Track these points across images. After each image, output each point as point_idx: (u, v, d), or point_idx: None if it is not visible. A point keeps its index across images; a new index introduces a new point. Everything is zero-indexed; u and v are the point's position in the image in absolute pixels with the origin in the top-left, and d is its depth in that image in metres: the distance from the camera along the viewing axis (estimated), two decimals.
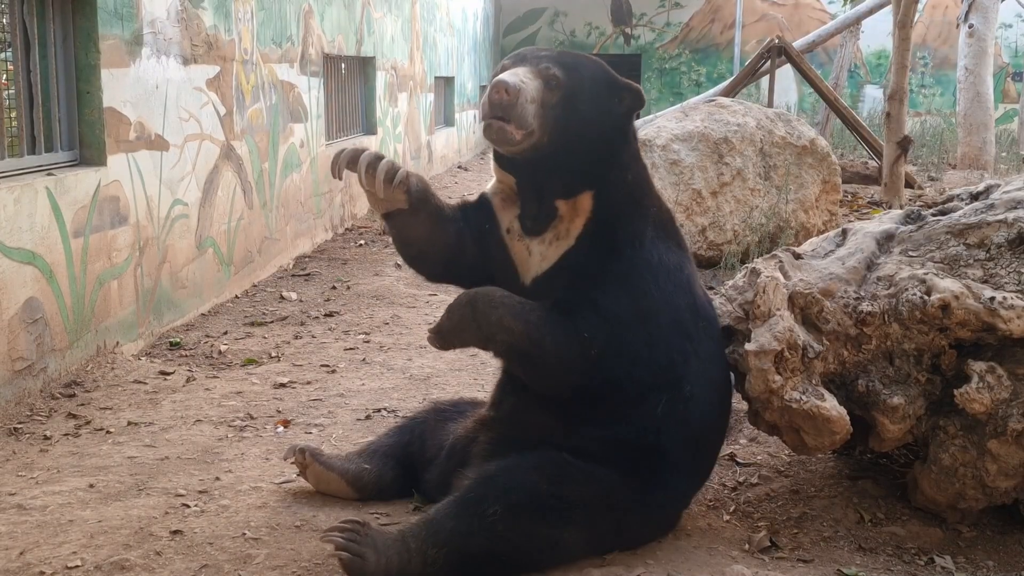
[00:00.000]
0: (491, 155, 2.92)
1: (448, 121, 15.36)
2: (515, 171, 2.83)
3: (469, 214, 2.95)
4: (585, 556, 2.70)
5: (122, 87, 4.76)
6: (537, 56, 2.76)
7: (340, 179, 2.80)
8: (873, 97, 20.49)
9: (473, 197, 3.05)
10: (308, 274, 6.86)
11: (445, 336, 2.72)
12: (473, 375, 4.59)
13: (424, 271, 3.04)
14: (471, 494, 2.63)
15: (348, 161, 2.72)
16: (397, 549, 2.55)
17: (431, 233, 2.86)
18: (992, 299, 2.75)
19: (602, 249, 2.75)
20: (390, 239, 8.21)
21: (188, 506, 3.10)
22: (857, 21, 14.94)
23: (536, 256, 2.81)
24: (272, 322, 5.57)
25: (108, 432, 3.80)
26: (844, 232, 3.30)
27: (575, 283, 2.73)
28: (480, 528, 2.56)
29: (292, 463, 3.20)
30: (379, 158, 2.72)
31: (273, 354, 4.91)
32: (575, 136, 2.71)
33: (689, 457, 2.84)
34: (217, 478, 3.34)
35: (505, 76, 2.64)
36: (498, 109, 2.60)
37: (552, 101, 2.67)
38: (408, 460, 3.17)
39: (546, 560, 2.65)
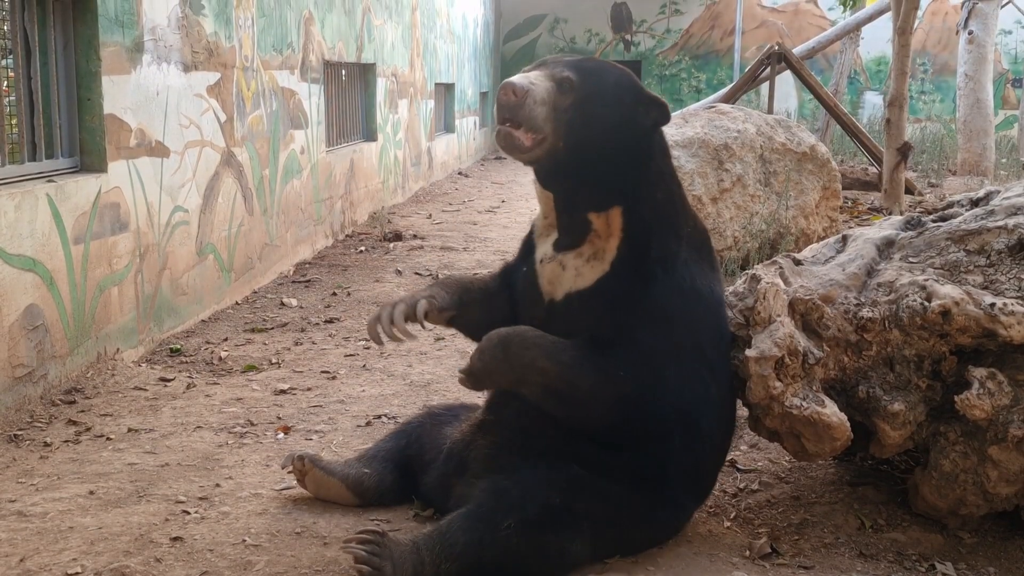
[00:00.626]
0: (533, 180, 2.92)
1: (448, 127, 15.37)
2: (551, 182, 2.80)
3: (511, 274, 3.01)
4: (588, 565, 2.71)
5: (123, 94, 4.77)
6: (556, 62, 2.74)
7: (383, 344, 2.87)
8: (873, 103, 20.51)
9: (512, 257, 3.10)
10: (308, 280, 6.87)
11: (477, 377, 2.70)
12: None
13: None
14: (484, 507, 2.62)
15: (375, 335, 2.81)
16: (412, 562, 2.55)
17: (485, 317, 2.92)
18: (992, 305, 2.75)
19: (635, 276, 2.72)
20: (391, 247, 8.21)
21: (188, 513, 3.10)
22: (857, 28, 14.97)
23: (571, 271, 2.77)
24: (272, 328, 5.57)
25: (108, 439, 3.79)
26: (844, 238, 3.31)
27: (610, 316, 2.70)
28: (494, 541, 2.56)
29: (290, 472, 3.20)
30: (392, 311, 2.79)
31: (273, 360, 4.91)
32: (594, 142, 2.68)
33: (696, 480, 2.90)
34: (217, 485, 3.34)
35: (514, 78, 2.62)
36: (505, 111, 2.59)
37: (564, 104, 2.64)
38: (406, 464, 3.16)
39: (554, 571, 2.65)
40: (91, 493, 3.26)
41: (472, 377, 2.70)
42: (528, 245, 2.97)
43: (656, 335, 2.69)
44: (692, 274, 2.78)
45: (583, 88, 2.67)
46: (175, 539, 2.91)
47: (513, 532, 2.56)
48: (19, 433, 3.79)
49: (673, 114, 3.87)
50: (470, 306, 2.92)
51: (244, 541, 2.90)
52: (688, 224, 2.86)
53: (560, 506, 2.63)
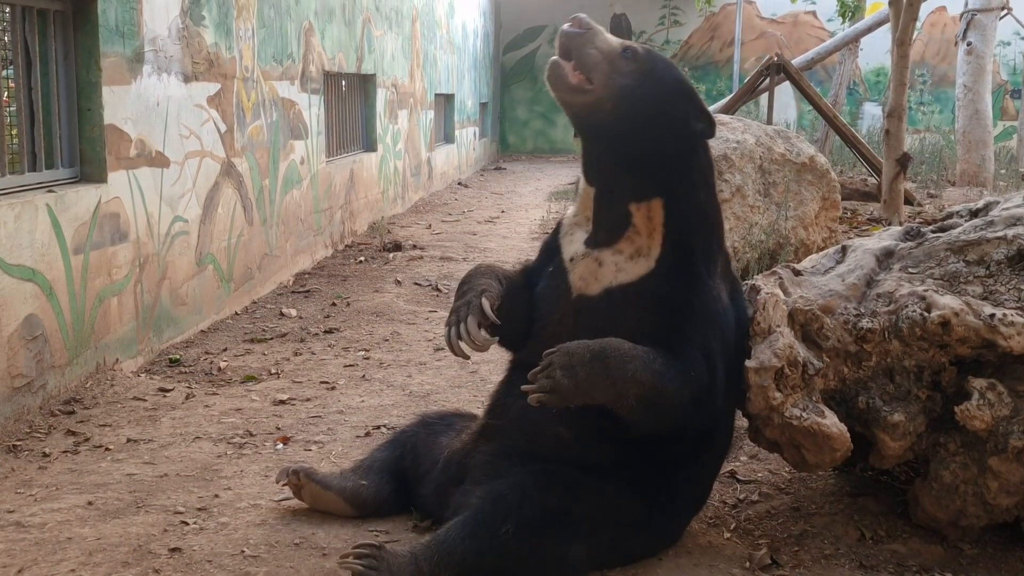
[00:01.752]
0: (578, 178, 2.92)
1: (448, 138, 15.39)
2: (594, 170, 2.80)
3: (532, 274, 2.97)
4: (587, 570, 2.70)
5: (123, 104, 4.77)
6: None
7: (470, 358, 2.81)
8: (872, 114, 20.54)
9: (533, 258, 3.05)
10: (308, 291, 6.86)
11: (567, 395, 2.51)
12: (473, 392, 4.58)
13: (511, 348, 3.00)
14: (482, 513, 2.60)
15: (461, 352, 2.71)
16: (410, 573, 2.54)
17: (513, 309, 2.85)
18: (992, 316, 2.75)
19: (683, 275, 2.71)
20: (391, 257, 8.20)
21: (187, 523, 3.09)
22: (856, 39, 14.99)
23: (610, 266, 2.74)
24: (272, 339, 5.56)
25: (107, 449, 3.79)
26: (844, 249, 3.31)
27: (661, 315, 2.68)
28: (492, 547, 2.54)
29: (284, 486, 3.18)
30: (466, 324, 2.68)
31: (273, 371, 4.91)
32: (641, 119, 2.67)
33: (698, 487, 2.93)
34: (216, 495, 3.33)
35: (583, 15, 2.63)
36: (566, 41, 2.57)
37: (625, 70, 2.65)
38: (402, 473, 3.15)
39: (552, 574, 2.64)
40: (89, 504, 3.25)
41: (557, 395, 2.51)
42: (551, 247, 2.95)
43: (708, 337, 2.69)
44: (725, 283, 2.83)
45: (646, 64, 2.69)
46: (174, 550, 2.90)
47: (511, 537, 2.54)
48: (18, 443, 3.79)
49: None
50: (509, 295, 2.84)
51: (243, 552, 2.89)
52: (724, 240, 2.90)
53: (559, 508, 2.61)
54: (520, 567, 2.57)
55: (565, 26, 2.57)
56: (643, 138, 2.71)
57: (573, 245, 2.85)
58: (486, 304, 2.70)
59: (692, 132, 2.78)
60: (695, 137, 2.80)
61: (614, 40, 2.67)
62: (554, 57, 2.65)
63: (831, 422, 2.80)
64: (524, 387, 2.55)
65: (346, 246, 8.74)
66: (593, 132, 2.76)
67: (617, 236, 2.76)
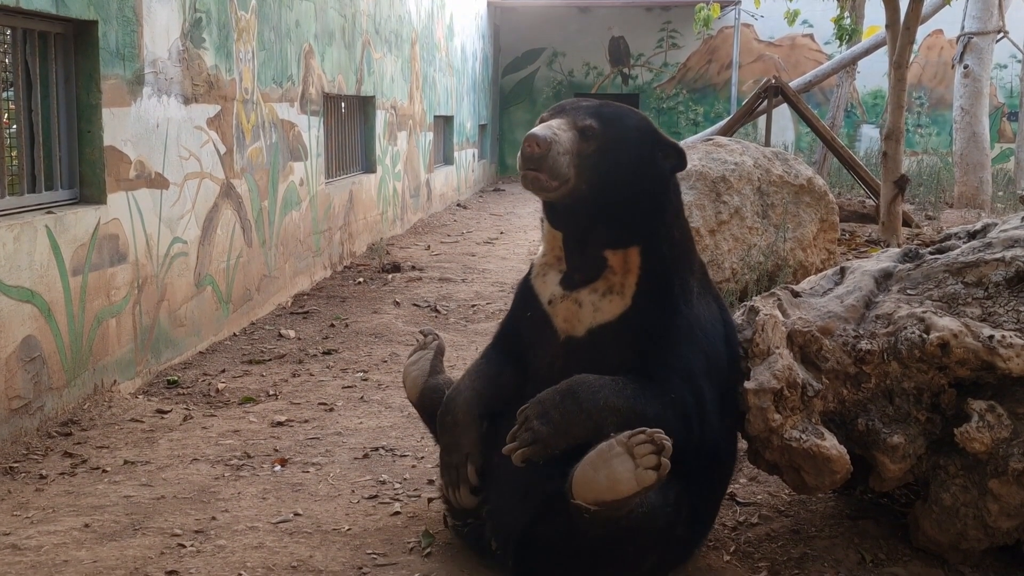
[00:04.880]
0: (542, 218, 2.96)
1: (447, 160, 15.43)
2: (564, 223, 2.84)
3: (510, 338, 3.03)
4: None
5: (123, 126, 4.79)
6: (576, 108, 2.79)
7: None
8: (870, 136, 20.60)
9: (505, 328, 3.11)
10: (307, 312, 6.86)
11: (548, 441, 2.57)
12: None
13: None
14: None
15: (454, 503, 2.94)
16: None
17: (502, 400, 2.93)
18: (991, 337, 2.75)
19: (659, 308, 2.75)
20: (389, 278, 8.19)
21: (184, 546, 3.08)
22: (853, 61, 15.05)
23: (588, 307, 2.79)
24: (270, 360, 5.55)
25: (104, 471, 3.77)
26: (842, 270, 3.31)
27: (640, 345, 2.72)
28: None
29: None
30: (458, 489, 2.92)
31: (271, 392, 4.90)
32: (616, 184, 2.73)
33: (711, 505, 2.95)
34: (213, 518, 3.31)
35: (537, 130, 2.67)
36: (530, 162, 2.64)
37: (588, 151, 2.70)
38: None
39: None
40: (86, 526, 3.23)
41: (540, 445, 2.57)
42: (525, 292, 2.97)
43: (688, 359, 2.72)
44: (704, 305, 2.86)
45: (605, 135, 2.73)
46: (170, 573, 2.88)
47: None
48: (15, 465, 3.77)
49: None
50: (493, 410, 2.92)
51: (240, 575, 2.88)
52: (697, 259, 2.95)
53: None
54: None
55: (525, 149, 2.64)
56: (620, 198, 2.76)
57: (548, 288, 2.88)
58: (471, 471, 2.88)
59: (662, 172, 2.83)
60: (666, 176, 2.85)
61: (570, 132, 2.71)
62: (525, 172, 2.68)
63: (830, 444, 2.79)
64: (505, 449, 2.61)
65: (345, 267, 8.74)
66: (572, 208, 2.79)
67: (594, 276, 2.81)
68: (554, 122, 2.73)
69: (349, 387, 5.03)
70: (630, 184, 2.75)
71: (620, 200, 2.75)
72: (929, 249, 3.25)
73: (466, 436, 2.87)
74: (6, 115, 4.41)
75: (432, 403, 3.13)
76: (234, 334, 6.14)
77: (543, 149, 2.62)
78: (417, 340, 3.38)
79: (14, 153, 4.39)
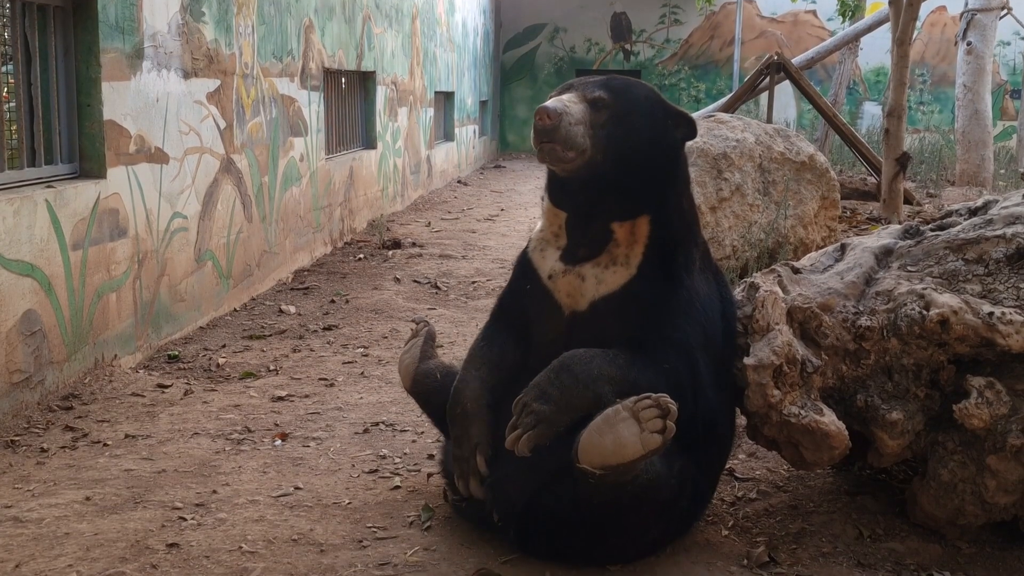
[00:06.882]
0: (543, 196, 2.96)
1: (448, 136, 15.39)
2: (572, 199, 2.84)
3: (511, 311, 3.01)
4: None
5: (123, 100, 4.77)
6: (584, 83, 2.81)
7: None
8: (872, 114, 20.54)
9: (503, 302, 3.08)
10: (307, 288, 6.86)
11: (551, 419, 2.58)
12: None
13: None
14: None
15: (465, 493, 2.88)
16: None
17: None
18: (991, 314, 2.75)
19: (662, 278, 2.77)
20: (390, 254, 8.20)
21: (185, 519, 3.09)
22: (856, 38, 14.99)
23: (591, 280, 2.79)
24: (271, 335, 5.56)
25: (105, 445, 3.79)
26: (843, 247, 3.31)
27: (641, 316, 2.73)
28: None
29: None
30: (467, 481, 2.85)
31: (271, 367, 4.91)
32: (631, 154, 2.75)
33: (711, 478, 2.97)
34: (214, 491, 3.33)
35: (547, 103, 2.68)
36: (544, 134, 2.65)
37: (600, 120, 2.72)
38: None
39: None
40: (87, 499, 3.25)
41: (544, 424, 2.57)
42: (524, 265, 2.97)
43: (684, 331, 2.73)
44: (705, 279, 2.88)
45: (616, 104, 2.75)
46: (171, 546, 2.90)
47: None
48: (16, 439, 3.79)
49: None
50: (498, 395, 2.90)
51: (241, 548, 2.89)
52: (701, 232, 2.97)
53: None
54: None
55: (537, 123, 2.65)
56: (635, 167, 2.77)
57: (548, 262, 2.89)
58: (480, 462, 2.83)
59: (673, 141, 2.86)
60: (677, 145, 2.87)
61: (580, 104, 2.72)
62: (541, 144, 2.68)
63: (829, 420, 2.80)
64: (508, 441, 2.60)
65: (345, 243, 8.74)
66: (590, 183, 2.78)
67: (597, 251, 2.81)
68: (564, 96, 2.74)
69: (349, 362, 5.04)
70: (644, 153, 2.77)
71: (634, 169, 2.76)
72: (930, 226, 3.24)
73: (475, 427, 2.87)
74: (5, 89, 4.39)
75: (425, 387, 3.16)
76: (234, 309, 6.15)
77: (554, 120, 2.63)
78: (411, 329, 3.40)
79: (14, 127, 4.38)
